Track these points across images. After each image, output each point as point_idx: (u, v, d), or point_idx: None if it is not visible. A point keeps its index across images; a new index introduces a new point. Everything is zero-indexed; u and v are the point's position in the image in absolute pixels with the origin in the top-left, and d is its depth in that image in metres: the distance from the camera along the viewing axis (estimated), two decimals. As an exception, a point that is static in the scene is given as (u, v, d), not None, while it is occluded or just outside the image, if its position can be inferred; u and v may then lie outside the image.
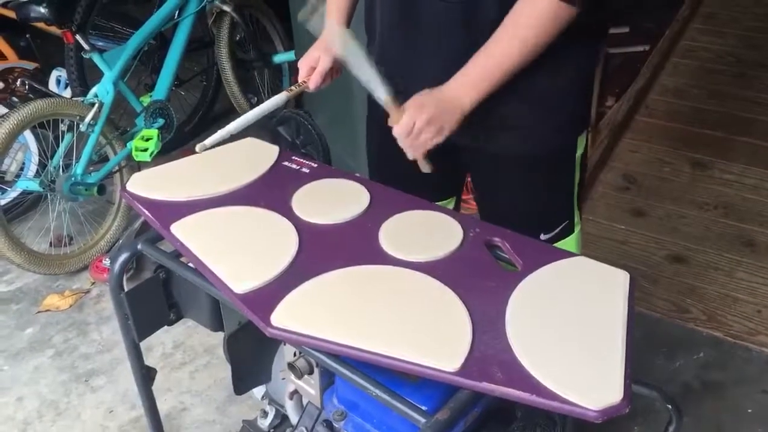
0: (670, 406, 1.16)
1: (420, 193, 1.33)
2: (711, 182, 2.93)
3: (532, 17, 1.20)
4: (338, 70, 1.48)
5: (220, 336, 1.37)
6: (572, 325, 1.02)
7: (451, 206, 1.65)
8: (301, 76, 1.45)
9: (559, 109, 1.39)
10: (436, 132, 1.28)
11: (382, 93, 1.29)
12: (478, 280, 1.10)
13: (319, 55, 1.44)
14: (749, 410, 2.00)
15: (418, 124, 1.26)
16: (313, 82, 1.45)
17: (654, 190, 2.90)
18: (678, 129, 3.27)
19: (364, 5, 1.49)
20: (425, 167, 1.34)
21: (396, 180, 1.38)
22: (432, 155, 1.55)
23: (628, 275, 1.12)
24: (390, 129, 1.57)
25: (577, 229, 1.55)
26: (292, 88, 1.42)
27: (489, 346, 0.98)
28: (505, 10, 1.22)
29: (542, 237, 1.48)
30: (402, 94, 1.42)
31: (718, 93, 3.51)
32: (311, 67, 1.45)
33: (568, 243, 1.51)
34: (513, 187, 1.23)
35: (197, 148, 1.32)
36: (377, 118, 1.60)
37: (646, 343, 2.18)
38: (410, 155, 1.32)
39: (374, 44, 1.47)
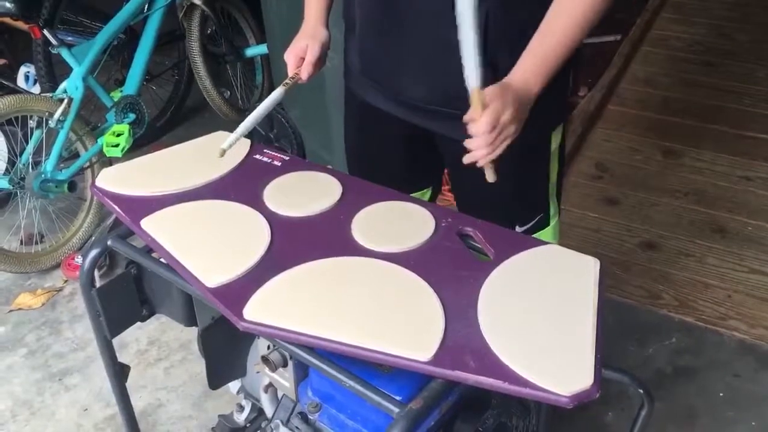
0: (641, 391, 1.17)
1: (398, 186, 1.31)
2: (682, 170, 2.97)
3: None
4: (324, 59, 1.44)
5: (194, 331, 1.36)
6: (543, 312, 1.03)
7: (426, 198, 1.65)
8: (290, 68, 1.42)
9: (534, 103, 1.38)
10: (517, 129, 1.18)
11: (473, 77, 1.12)
12: (451, 270, 1.11)
13: (307, 44, 1.40)
14: (721, 394, 2.04)
15: (504, 119, 1.14)
16: (305, 73, 1.40)
17: (626, 178, 2.93)
18: (649, 117, 3.31)
19: None
20: (492, 175, 1.20)
21: (374, 173, 1.37)
22: (411, 146, 1.55)
23: (598, 262, 1.13)
24: (368, 123, 1.56)
25: (553, 221, 1.55)
26: (287, 81, 1.39)
27: (461, 335, 0.99)
28: None
29: (517, 229, 1.48)
30: (383, 89, 1.39)
31: (688, 81, 3.56)
32: (299, 58, 1.41)
33: (543, 236, 1.52)
34: (486, 179, 1.23)
35: (219, 155, 1.30)
36: (355, 112, 1.60)
37: (619, 330, 2.21)
38: (483, 158, 1.18)
39: (353, 35, 1.45)
